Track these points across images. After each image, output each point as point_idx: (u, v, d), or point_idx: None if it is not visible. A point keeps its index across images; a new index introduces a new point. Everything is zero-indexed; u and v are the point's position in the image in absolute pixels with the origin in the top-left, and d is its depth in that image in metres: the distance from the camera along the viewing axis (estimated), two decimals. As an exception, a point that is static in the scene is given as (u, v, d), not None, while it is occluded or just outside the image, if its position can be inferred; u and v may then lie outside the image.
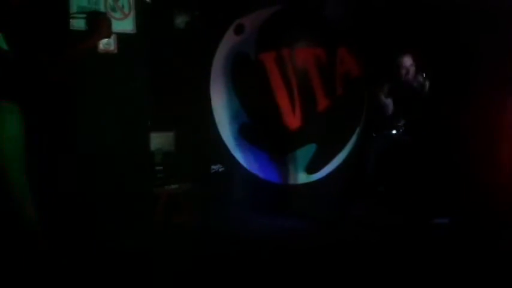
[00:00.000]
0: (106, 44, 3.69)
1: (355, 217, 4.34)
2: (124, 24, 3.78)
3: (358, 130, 5.43)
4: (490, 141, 4.22)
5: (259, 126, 5.06)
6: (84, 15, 3.05)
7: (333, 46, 5.28)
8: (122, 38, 3.79)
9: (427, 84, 4.25)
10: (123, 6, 3.78)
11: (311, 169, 5.30)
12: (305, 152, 5.28)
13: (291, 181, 5.21)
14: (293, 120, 5.20)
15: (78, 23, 3.37)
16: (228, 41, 4.92)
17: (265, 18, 5.07)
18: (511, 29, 4.05)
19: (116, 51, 3.76)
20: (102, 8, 3.68)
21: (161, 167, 4.48)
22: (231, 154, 5.01)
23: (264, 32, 5.05)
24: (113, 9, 3.73)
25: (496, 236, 3.83)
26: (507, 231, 3.86)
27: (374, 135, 4.10)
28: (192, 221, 4.32)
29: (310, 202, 4.97)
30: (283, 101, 5.15)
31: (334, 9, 5.30)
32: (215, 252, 3.57)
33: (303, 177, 5.27)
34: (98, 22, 2.77)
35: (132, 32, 3.82)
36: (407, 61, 4.71)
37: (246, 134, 5.03)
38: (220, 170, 4.91)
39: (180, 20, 4.66)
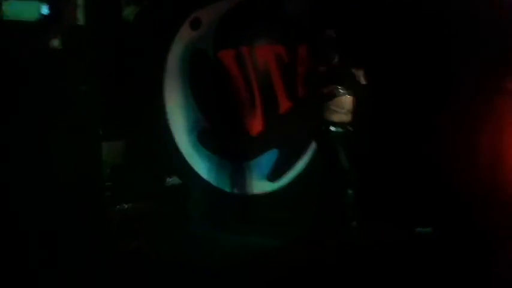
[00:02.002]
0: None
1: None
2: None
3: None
4: (469, 146, 4.09)
5: (219, 132, 4.55)
6: None
7: (294, 43, 4.90)
8: (66, 31, 3.10)
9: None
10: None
11: (273, 176, 4.90)
12: (266, 158, 4.85)
13: (254, 190, 4.76)
14: (254, 124, 4.76)
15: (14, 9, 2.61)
16: (184, 37, 4.35)
17: (224, 11, 4.55)
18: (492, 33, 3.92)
19: (59, 47, 3.05)
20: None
21: (109, 183, 3.82)
22: (189, 164, 4.44)
23: (222, 27, 4.53)
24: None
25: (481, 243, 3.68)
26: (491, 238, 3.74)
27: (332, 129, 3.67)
28: (148, 246, 3.70)
29: (280, 213, 4.57)
30: (244, 103, 4.69)
31: (295, 4, 4.90)
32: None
33: (265, 186, 4.84)
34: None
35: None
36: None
37: (204, 141, 4.49)
38: (176, 183, 4.33)
39: (129, 12, 4.01)
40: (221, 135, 4.56)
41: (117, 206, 3.67)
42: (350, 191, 3.69)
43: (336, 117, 3.79)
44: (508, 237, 3.74)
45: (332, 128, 3.77)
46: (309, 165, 5.05)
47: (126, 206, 3.72)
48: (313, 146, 5.05)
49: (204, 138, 4.49)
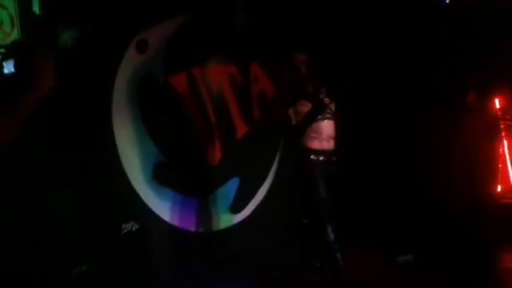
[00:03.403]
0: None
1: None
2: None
3: (278, 156, 4.81)
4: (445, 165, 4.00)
5: (177, 165, 4.06)
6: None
7: (246, 62, 4.56)
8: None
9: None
10: (1, 22, 2.48)
11: (236, 207, 4.50)
12: (228, 189, 4.45)
13: (219, 226, 4.33)
14: (213, 153, 4.33)
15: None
16: (130, 62, 3.82)
17: (171, 31, 4.09)
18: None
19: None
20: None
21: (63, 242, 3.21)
22: (146, 205, 3.91)
23: (171, 49, 4.06)
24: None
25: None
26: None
27: (313, 157, 3.34)
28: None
29: (250, 248, 4.18)
30: (200, 131, 4.25)
31: (244, 20, 4.57)
32: None
33: (228, 219, 4.43)
34: (33, 62, 1.53)
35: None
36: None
37: (162, 177, 3.98)
38: (133, 228, 3.78)
39: (66, 37, 3.43)
40: (179, 168, 4.09)
41: (75, 270, 3.06)
42: (329, 227, 3.34)
43: (316, 145, 3.48)
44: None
45: (312, 157, 3.45)
46: (270, 192, 4.74)
47: (84, 268, 3.12)
48: (272, 170, 4.77)
49: (161, 173, 3.97)
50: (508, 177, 4.49)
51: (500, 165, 4.27)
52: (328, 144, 3.51)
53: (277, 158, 4.81)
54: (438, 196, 3.85)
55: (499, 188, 4.28)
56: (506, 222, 4.01)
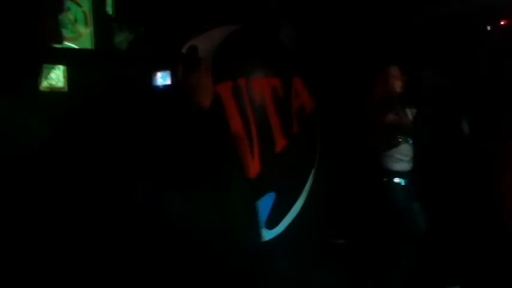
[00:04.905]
0: (51, 78, 2.28)
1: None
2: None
3: (313, 172, 4.75)
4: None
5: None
6: None
7: (289, 76, 4.52)
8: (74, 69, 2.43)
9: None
10: (76, 20, 2.41)
11: (271, 223, 4.40)
12: (264, 203, 4.36)
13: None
14: (252, 165, 4.25)
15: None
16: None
17: (220, 40, 4.04)
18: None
19: (66, 88, 2.36)
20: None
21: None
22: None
23: (218, 57, 4.01)
24: (62, 25, 2.33)
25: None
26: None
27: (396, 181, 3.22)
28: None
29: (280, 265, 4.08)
30: (242, 142, 4.18)
31: (288, 33, 4.54)
32: None
33: (264, 234, 4.34)
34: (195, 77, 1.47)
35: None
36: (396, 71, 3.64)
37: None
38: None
39: (122, 38, 3.38)
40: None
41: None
42: (404, 261, 3.22)
43: (399, 167, 3.37)
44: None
45: (396, 180, 3.29)
46: (303, 209, 4.66)
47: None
48: (306, 188, 4.70)
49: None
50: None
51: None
52: (409, 166, 3.45)
53: (311, 175, 4.74)
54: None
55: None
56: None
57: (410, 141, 3.42)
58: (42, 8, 1.31)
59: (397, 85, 3.38)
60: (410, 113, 3.32)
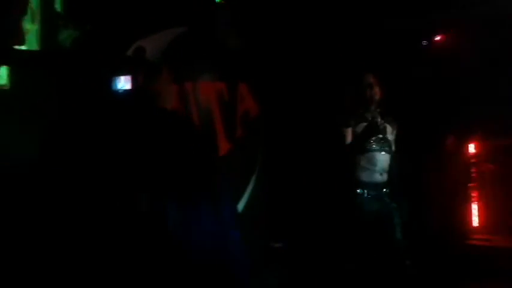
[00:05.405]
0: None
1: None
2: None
3: (255, 176, 4.82)
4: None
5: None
6: None
7: (235, 81, 4.57)
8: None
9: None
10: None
11: (211, 226, 4.43)
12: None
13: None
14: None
15: None
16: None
17: (166, 42, 4.04)
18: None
19: (8, 86, 2.27)
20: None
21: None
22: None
23: (165, 60, 4.00)
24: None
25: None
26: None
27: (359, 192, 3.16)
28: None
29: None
30: (186, 144, 4.18)
31: (236, 39, 4.59)
32: None
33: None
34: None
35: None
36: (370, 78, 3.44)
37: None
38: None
39: (66, 35, 3.29)
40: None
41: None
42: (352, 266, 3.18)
43: (365, 177, 3.23)
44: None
45: (359, 191, 3.20)
46: (245, 211, 4.72)
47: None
48: (248, 191, 4.77)
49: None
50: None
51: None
52: (381, 177, 3.26)
53: (253, 179, 4.81)
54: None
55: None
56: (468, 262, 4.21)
57: (387, 152, 3.25)
58: (6, 11, 1.29)
59: (371, 92, 3.24)
60: (390, 128, 3.19)
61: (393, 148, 3.28)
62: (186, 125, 3.93)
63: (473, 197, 4.72)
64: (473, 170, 4.68)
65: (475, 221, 4.79)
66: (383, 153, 3.24)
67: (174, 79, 4.08)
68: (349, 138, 3.29)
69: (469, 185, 4.51)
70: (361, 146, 3.19)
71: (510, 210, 4.84)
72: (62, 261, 2.26)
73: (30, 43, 2.38)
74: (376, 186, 3.23)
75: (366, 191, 3.25)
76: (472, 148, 4.75)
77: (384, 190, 3.21)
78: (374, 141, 3.23)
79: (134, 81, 1.51)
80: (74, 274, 2.19)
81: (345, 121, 3.32)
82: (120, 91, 1.58)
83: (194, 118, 4.25)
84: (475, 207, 4.77)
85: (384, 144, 3.28)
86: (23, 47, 2.19)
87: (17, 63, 2.09)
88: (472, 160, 4.70)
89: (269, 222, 4.28)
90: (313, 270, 3.33)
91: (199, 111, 4.27)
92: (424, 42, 4.96)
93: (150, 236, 3.03)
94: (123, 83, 1.45)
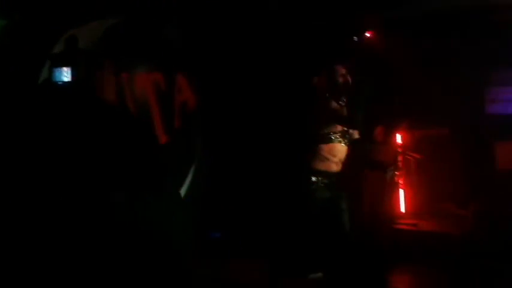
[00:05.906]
0: None
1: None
2: None
3: (193, 167, 4.88)
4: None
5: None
6: None
7: (173, 72, 4.59)
8: None
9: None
10: None
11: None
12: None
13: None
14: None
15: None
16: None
17: (99, 32, 3.99)
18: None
19: None
20: None
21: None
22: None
23: (99, 50, 3.95)
24: None
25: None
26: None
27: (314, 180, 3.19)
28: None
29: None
30: (123, 136, 4.16)
31: (173, 30, 4.60)
32: None
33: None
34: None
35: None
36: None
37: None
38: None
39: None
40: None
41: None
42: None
43: (322, 166, 3.29)
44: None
45: (314, 179, 3.26)
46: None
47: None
48: (187, 182, 4.81)
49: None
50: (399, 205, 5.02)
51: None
52: (337, 167, 3.35)
53: (192, 170, 4.85)
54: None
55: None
56: (397, 246, 4.44)
57: (345, 144, 3.32)
58: None
59: (342, 81, 3.29)
60: None
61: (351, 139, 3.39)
62: (124, 116, 3.90)
63: (400, 184, 4.99)
64: (400, 158, 4.93)
65: (402, 207, 5.07)
66: (342, 144, 3.33)
67: (109, 69, 4.03)
68: (313, 128, 3.37)
69: (396, 172, 4.74)
70: (326, 136, 3.28)
71: (434, 196, 5.15)
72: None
73: None
74: (330, 175, 3.32)
75: (320, 179, 3.32)
76: (399, 138, 5.00)
77: (335, 179, 3.31)
78: (338, 132, 3.30)
79: (73, 73, 1.50)
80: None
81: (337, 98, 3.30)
82: (58, 83, 1.56)
83: (131, 109, 4.23)
84: (402, 194, 5.05)
85: (345, 135, 3.37)
86: None
87: None
88: (399, 149, 4.95)
89: (209, 211, 4.30)
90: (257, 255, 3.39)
91: (135, 102, 4.26)
92: (355, 38, 5.11)
93: (100, 224, 3.04)
94: (62, 74, 1.44)
